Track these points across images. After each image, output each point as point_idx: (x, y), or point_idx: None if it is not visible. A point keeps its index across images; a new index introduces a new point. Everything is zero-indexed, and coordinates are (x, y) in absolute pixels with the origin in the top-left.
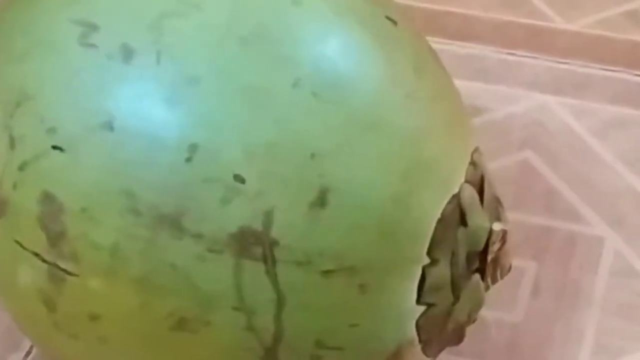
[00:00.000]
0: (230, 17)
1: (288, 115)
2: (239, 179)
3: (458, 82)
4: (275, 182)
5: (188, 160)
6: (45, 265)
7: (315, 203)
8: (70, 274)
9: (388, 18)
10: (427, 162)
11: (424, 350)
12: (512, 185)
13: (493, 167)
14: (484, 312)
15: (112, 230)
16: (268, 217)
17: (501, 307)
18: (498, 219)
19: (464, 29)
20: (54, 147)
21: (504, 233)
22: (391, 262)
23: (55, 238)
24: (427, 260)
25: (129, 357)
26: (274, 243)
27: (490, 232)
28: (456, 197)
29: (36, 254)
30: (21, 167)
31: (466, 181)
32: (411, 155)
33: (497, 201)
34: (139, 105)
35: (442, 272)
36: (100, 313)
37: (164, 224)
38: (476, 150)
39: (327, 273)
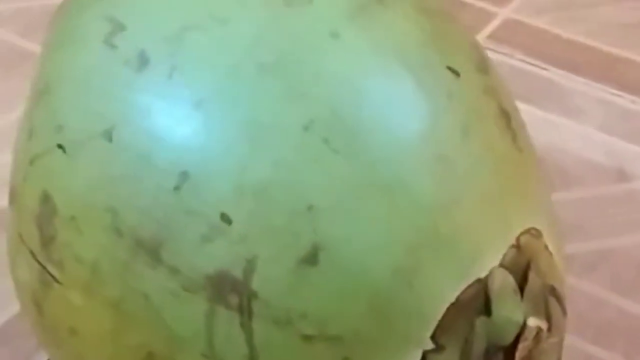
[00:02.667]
0: (255, 39)
1: (290, 159)
2: (225, 218)
3: (613, 140)
4: (264, 229)
5: (176, 188)
6: (37, 266)
7: (305, 260)
8: (56, 280)
9: (450, 68)
10: (445, 237)
11: None
12: None
13: (630, 243)
14: None
15: (94, 245)
16: (250, 265)
17: None
18: (543, 314)
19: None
20: (59, 146)
21: (540, 330)
22: (383, 340)
23: (47, 241)
24: (430, 345)
25: None
26: (252, 295)
27: (523, 327)
28: (481, 282)
29: (31, 252)
30: (31, 161)
31: (502, 265)
32: (425, 227)
33: (552, 295)
34: (139, 119)
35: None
36: (78, 329)
37: (142, 249)
38: (529, 231)
39: (307, 338)
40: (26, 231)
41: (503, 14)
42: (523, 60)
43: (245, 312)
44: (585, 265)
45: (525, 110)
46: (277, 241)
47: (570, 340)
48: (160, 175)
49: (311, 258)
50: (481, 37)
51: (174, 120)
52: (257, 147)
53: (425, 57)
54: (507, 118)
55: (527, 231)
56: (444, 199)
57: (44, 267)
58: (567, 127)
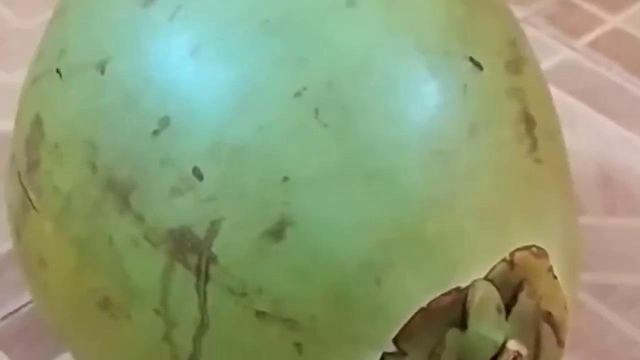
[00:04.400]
0: None
1: (275, 125)
2: (197, 173)
3: None
4: (234, 192)
5: (155, 132)
6: (20, 189)
7: (270, 232)
8: (33, 207)
9: (472, 60)
10: (426, 238)
11: None
12: None
13: None
14: None
15: (71, 177)
16: (213, 227)
17: None
18: (531, 340)
19: None
20: (57, 71)
21: (518, 356)
22: (340, 333)
23: (32, 165)
24: (391, 348)
25: (62, 317)
26: (211, 258)
27: (502, 349)
28: (460, 292)
29: (19, 174)
30: (33, 82)
31: (488, 279)
32: (406, 223)
33: (548, 322)
34: (133, 56)
35: None
36: (47, 261)
37: (113, 190)
38: (529, 249)
39: (261, 315)
40: (18, 152)
41: (612, 22)
42: (620, 74)
43: (202, 274)
44: (625, 300)
45: (608, 126)
46: (245, 207)
47: None
48: (142, 116)
49: (277, 232)
50: (582, 42)
51: (166, 62)
52: (244, 106)
53: (445, 43)
54: (530, 125)
55: (527, 248)
56: (433, 197)
57: (25, 191)
58: None
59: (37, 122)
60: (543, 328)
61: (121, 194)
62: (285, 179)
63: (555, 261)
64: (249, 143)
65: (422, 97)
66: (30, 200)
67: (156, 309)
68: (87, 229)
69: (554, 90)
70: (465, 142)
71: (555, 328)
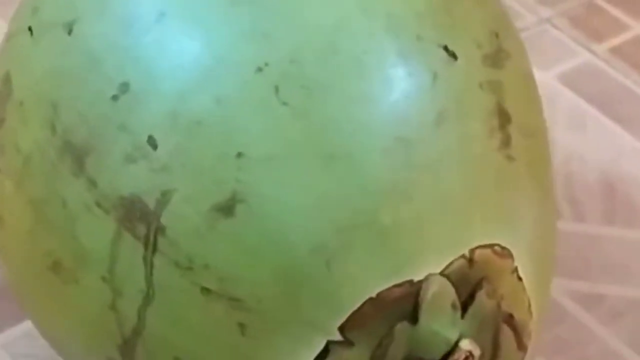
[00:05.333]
0: None
1: (233, 99)
2: (152, 142)
3: None
4: (187, 164)
5: (114, 97)
6: None
7: (220, 208)
8: None
9: (446, 48)
10: (382, 226)
11: None
12: None
13: None
14: None
15: (31, 137)
16: (164, 198)
17: None
18: (488, 341)
19: None
20: (29, 29)
21: (470, 356)
22: (286, 317)
23: None
24: (336, 337)
25: (17, 279)
26: (160, 229)
27: (454, 347)
28: (413, 286)
29: None
30: (7, 38)
31: (444, 274)
32: (362, 210)
33: (508, 325)
34: (100, 19)
35: (354, 358)
36: (5, 221)
37: (70, 153)
38: (491, 247)
39: (206, 292)
40: None
41: (636, 28)
42: (637, 82)
43: (149, 245)
44: (612, 311)
45: (618, 134)
46: (196, 180)
47: None
48: (103, 80)
49: (227, 208)
50: (603, 47)
51: (131, 27)
52: (204, 77)
53: (419, 28)
54: (505, 120)
55: (489, 246)
56: (393, 184)
57: None
58: None
59: (7, 79)
60: (503, 330)
61: (77, 157)
62: (240, 154)
63: (522, 263)
64: (206, 115)
65: (388, 82)
66: None
67: (103, 277)
68: (43, 190)
69: (568, 93)
70: (431, 131)
71: (517, 331)
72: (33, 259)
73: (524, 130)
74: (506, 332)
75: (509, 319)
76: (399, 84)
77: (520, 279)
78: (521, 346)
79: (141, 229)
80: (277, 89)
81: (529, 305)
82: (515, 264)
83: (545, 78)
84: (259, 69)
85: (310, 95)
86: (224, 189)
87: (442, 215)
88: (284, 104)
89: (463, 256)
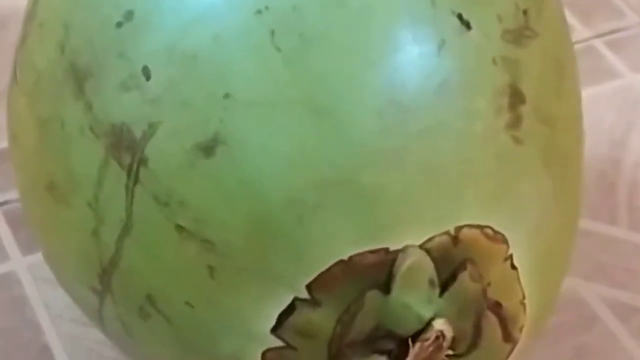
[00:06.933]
0: None
1: (230, 39)
2: (146, 72)
3: None
4: (176, 98)
5: (118, 24)
6: (14, 60)
7: (201, 147)
8: (17, 81)
9: (459, 17)
10: (362, 188)
11: None
12: None
13: None
14: None
15: (45, 57)
16: (150, 130)
17: None
18: (469, 325)
19: None
20: None
21: (440, 337)
22: (254, 266)
23: (22, 40)
24: (304, 294)
25: (23, 195)
26: (143, 160)
27: (428, 325)
28: (389, 254)
29: (17, 47)
30: None
31: (423, 248)
32: (345, 168)
33: (494, 312)
34: None
35: (320, 320)
36: (18, 137)
37: (73, 75)
38: (481, 229)
39: (180, 230)
40: (22, 30)
41: None
42: None
43: (132, 175)
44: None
45: None
46: (183, 116)
47: None
48: (111, 6)
49: (208, 148)
50: None
51: None
52: (205, 14)
53: None
54: (517, 100)
55: (479, 227)
56: (380, 146)
57: (15, 65)
58: None
59: (36, 0)
60: (487, 317)
61: (79, 80)
62: (227, 95)
63: (519, 252)
64: (202, 51)
65: (391, 43)
66: (16, 74)
67: (89, 202)
68: (48, 110)
69: None
70: (429, 99)
71: (504, 321)
72: (35, 177)
73: (542, 116)
74: (491, 320)
75: (496, 307)
76: (401, 47)
77: (514, 267)
78: (508, 338)
79: (126, 158)
80: (273, 33)
81: (523, 298)
82: (511, 251)
83: (634, 80)
84: (259, 11)
85: (307, 45)
86: (208, 128)
87: (429, 186)
88: (278, 49)
89: (447, 233)
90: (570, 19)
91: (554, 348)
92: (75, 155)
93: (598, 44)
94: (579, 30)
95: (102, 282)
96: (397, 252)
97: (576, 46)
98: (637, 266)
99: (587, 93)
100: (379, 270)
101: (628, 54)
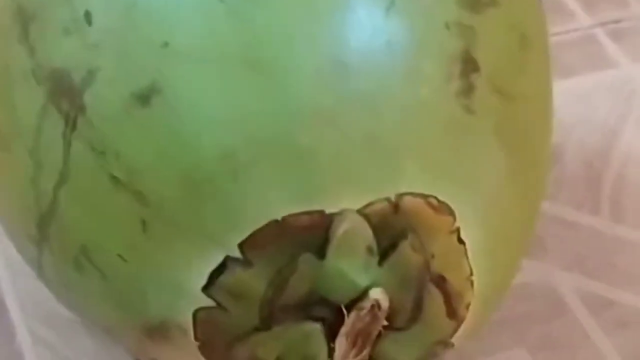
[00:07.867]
0: None
1: None
2: (88, 18)
3: None
4: (114, 44)
5: None
6: None
7: (137, 96)
8: None
9: None
10: (299, 148)
11: (202, 352)
12: None
13: None
14: None
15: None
16: (89, 76)
17: None
18: (410, 297)
19: None
20: None
21: (376, 306)
22: (186, 221)
23: None
24: (235, 253)
25: None
26: (81, 108)
27: (364, 294)
28: (324, 218)
29: None
30: None
31: (361, 213)
32: (280, 126)
33: (438, 287)
34: None
35: (251, 280)
36: None
37: (20, 19)
38: (425, 198)
39: (115, 180)
40: None
41: None
42: None
43: (69, 123)
44: (616, 320)
45: None
46: (121, 63)
47: None
48: None
49: (144, 97)
50: None
51: None
52: None
53: None
54: (469, 68)
55: (423, 197)
56: (318, 106)
57: None
58: None
59: None
60: (429, 291)
61: (24, 23)
62: (166, 44)
63: (467, 226)
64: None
65: (336, 2)
66: None
67: (30, 150)
68: (6, 53)
69: None
70: (372, 60)
71: (448, 296)
72: None
73: (499, 88)
74: (433, 294)
75: (440, 281)
76: (348, 6)
77: (461, 242)
78: (452, 314)
79: (65, 105)
80: None
81: (471, 274)
82: (458, 224)
83: (633, 70)
84: None
85: (257, 6)
86: (145, 77)
87: (368, 150)
88: (222, 0)
89: (387, 199)
90: (574, 5)
91: (519, 335)
92: (18, 100)
93: (599, 32)
94: (581, 17)
95: (41, 230)
96: (333, 215)
97: (577, 33)
98: (617, 259)
99: (584, 82)
100: (314, 233)
101: (629, 44)
